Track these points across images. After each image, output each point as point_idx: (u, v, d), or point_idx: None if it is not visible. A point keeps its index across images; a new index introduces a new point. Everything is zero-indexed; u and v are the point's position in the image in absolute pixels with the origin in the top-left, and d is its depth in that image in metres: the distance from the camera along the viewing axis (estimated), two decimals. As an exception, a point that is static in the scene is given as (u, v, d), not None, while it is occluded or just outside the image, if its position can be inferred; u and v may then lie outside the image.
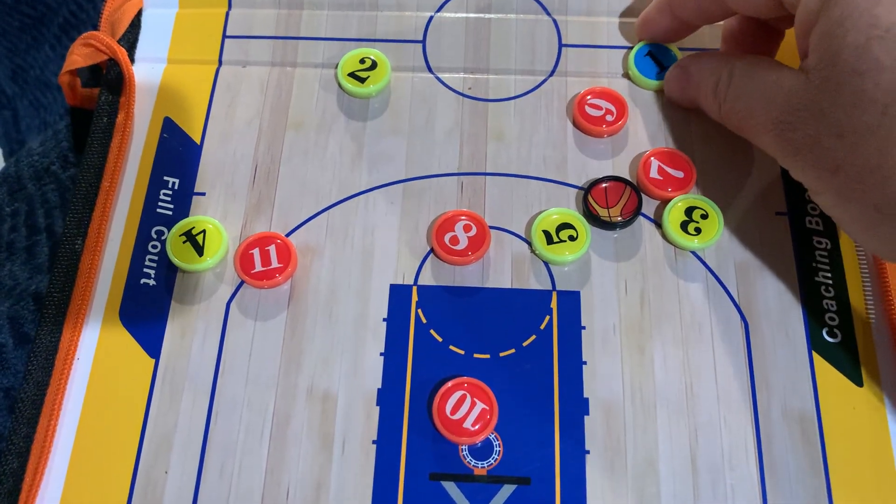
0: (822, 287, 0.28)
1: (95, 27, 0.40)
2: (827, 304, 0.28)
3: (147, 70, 0.33)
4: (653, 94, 0.32)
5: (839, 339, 0.27)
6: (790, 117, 0.24)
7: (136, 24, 0.33)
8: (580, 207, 0.29)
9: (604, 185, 0.29)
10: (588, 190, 0.29)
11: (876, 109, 0.21)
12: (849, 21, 0.21)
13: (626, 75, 0.32)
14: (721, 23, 0.32)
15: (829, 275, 0.28)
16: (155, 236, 0.29)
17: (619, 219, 0.29)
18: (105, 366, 0.27)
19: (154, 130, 0.31)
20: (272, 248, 0.28)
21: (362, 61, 0.32)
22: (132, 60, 0.33)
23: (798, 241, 0.29)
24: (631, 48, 0.32)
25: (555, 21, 0.33)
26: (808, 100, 0.23)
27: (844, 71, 0.22)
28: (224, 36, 0.33)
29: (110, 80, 0.32)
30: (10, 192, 0.34)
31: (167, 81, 0.32)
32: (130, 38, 0.33)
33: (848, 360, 0.27)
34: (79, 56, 0.32)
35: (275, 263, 0.28)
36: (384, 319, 0.28)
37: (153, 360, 0.27)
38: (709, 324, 0.27)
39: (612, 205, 0.29)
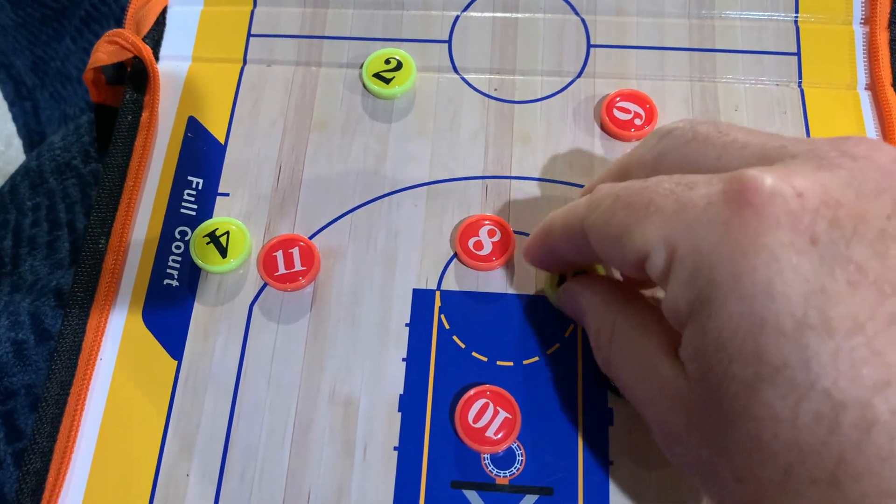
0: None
1: (118, 20, 0.40)
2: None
3: (172, 68, 0.33)
4: (682, 98, 0.31)
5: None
6: (678, 430, 0.19)
7: (160, 22, 0.33)
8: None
9: None
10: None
11: (777, 465, 0.16)
12: (731, 346, 0.17)
13: None
14: None
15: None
16: (178, 237, 0.29)
17: None
18: (128, 367, 0.27)
19: (178, 129, 0.31)
20: (295, 251, 0.28)
21: (387, 62, 0.32)
22: (157, 58, 0.33)
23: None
24: (662, 49, 0.32)
25: (583, 21, 0.33)
26: (697, 421, 0.19)
27: (734, 409, 0.17)
28: (249, 34, 0.33)
29: (135, 78, 0.32)
30: (32, 185, 0.34)
31: (192, 80, 0.32)
32: (155, 36, 0.33)
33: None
34: (103, 53, 0.32)
35: (298, 266, 0.28)
36: (407, 324, 0.28)
37: (175, 362, 0.27)
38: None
39: None
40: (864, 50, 0.31)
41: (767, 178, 0.16)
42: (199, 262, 0.28)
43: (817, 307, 0.15)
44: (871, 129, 0.30)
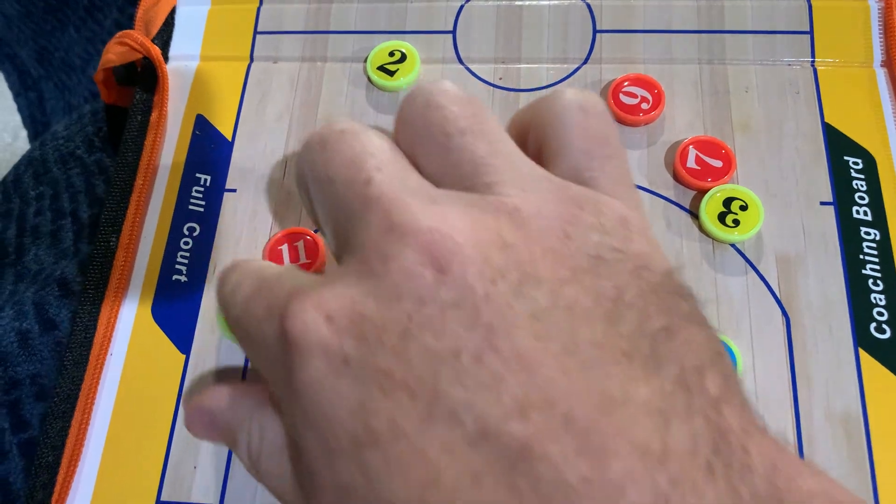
0: (871, 280, 0.27)
1: (120, 9, 0.40)
2: (875, 298, 0.26)
3: (180, 68, 0.33)
4: (691, 80, 0.30)
5: (888, 335, 0.26)
6: None
7: (169, 22, 0.34)
8: None
9: None
10: None
11: None
12: (319, 476, 0.17)
13: None
14: None
15: (878, 267, 0.27)
16: (187, 233, 0.30)
17: None
18: (137, 361, 0.28)
19: (187, 128, 0.32)
20: (300, 244, 0.28)
21: (391, 54, 0.31)
22: (166, 58, 0.33)
23: (844, 232, 0.27)
24: (670, 32, 0.31)
25: (588, 6, 0.32)
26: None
27: None
28: (255, 32, 0.33)
29: (145, 79, 0.33)
30: (36, 175, 0.35)
31: (200, 79, 0.33)
32: (164, 36, 0.34)
33: (898, 357, 0.25)
34: (114, 55, 0.32)
35: (303, 259, 0.28)
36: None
37: (184, 356, 0.28)
38: (748, 319, 0.26)
39: None
40: (879, 25, 0.30)
41: (307, 312, 0.17)
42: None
43: (362, 421, 0.16)
44: (888, 107, 0.29)
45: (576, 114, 0.20)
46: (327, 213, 0.19)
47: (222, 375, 0.27)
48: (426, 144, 0.19)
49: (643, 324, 0.16)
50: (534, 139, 0.20)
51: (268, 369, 0.19)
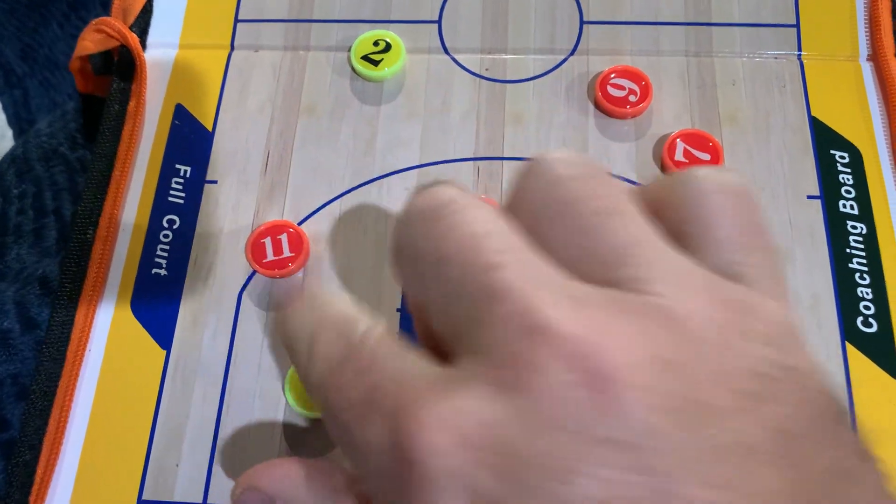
0: (857, 274, 0.27)
1: (104, 5, 0.39)
2: (862, 291, 0.26)
3: (159, 56, 0.32)
4: (678, 73, 0.30)
5: (875, 328, 0.26)
6: None
7: (148, 9, 0.33)
8: None
9: None
10: None
11: None
12: None
13: None
14: None
15: (865, 261, 0.27)
16: (167, 225, 0.29)
17: None
18: (116, 357, 0.27)
19: (166, 117, 0.31)
20: (284, 237, 0.28)
21: (376, 44, 0.31)
22: (144, 46, 0.32)
23: (831, 226, 0.27)
24: (657, 24, 0.31)
25: (576, -2, 0.32)
26: None
27: None
28: (236, 19, 0.32)
29: (122, 67, 0.32)
30: (18, 173, 0.34)
31: (179, 67, 0.32)
32: (142, 24, 0.33)
33: (884, 350, 0.26)
34: (90, 42, 0.31)
35: (286, 252, 0.28)
36: (398, 309, 0.27)
37: (164, 352, 0.27)
38: (736, 313, 0.26)
39: None
40: (865, 20, 0.30)
41: (435, 433, 0.14)
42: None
43: None
44: (874, 102, 0.29)
45: (723, 198, 0.17)
46: (436, 298, 0.16)
47: (204, 371, 0.26)
48: (554, 226, 0.16)
49: (813, 463, 0.13)
50: (670, 225, 0.17)
51: (369, 476, 0.15)
